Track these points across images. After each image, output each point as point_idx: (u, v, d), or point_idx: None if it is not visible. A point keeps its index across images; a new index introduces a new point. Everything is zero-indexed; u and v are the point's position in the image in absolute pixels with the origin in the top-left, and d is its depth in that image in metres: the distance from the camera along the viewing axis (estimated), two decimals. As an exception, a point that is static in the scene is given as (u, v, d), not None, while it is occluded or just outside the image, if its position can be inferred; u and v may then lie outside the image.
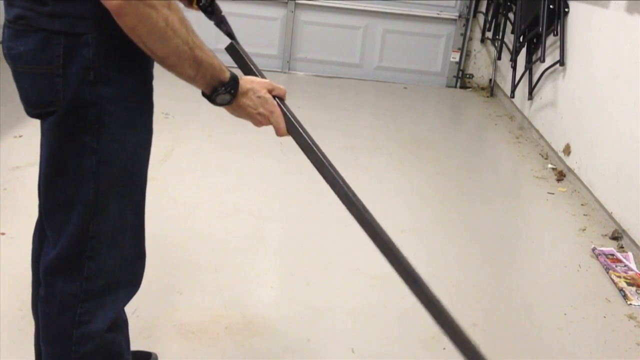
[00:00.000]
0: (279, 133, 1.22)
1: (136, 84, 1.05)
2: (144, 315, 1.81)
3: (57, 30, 0.96)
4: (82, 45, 0.97)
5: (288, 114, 1.20)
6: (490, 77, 4.97)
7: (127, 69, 1.02)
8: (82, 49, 0.97)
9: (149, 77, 1.09)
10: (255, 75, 1.22)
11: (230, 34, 1.21)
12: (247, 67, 1.20)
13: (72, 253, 1.08)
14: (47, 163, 1.06)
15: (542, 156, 3.63)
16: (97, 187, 1.05)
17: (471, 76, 5.11)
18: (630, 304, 2.18)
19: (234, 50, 1.20)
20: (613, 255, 2.49)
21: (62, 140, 1.02)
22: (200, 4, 1.19)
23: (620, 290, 2.25)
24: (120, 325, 1.21)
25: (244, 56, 1.20)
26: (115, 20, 0.92)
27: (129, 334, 1.26)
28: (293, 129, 1.22)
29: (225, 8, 4.60)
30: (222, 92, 1.09)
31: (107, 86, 1.00)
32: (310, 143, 1.21)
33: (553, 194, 3.13)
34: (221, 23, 1.23)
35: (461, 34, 4.96)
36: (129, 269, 1.17)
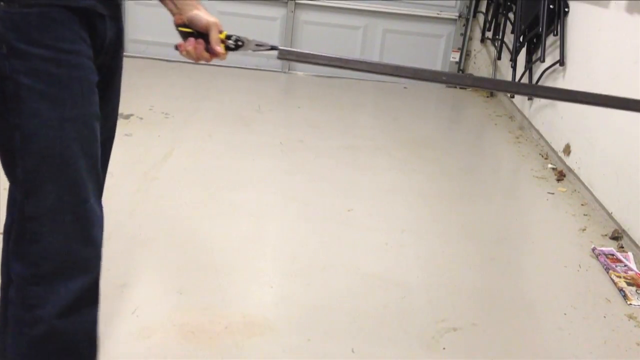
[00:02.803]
0: None
1: (52, 56, 1.01)
2: (144, 315, 1.82)
3: None
4: None
5: None
6: (491, 77, 4.97)
7: (39, 41, 0.99)
8: None
9: (69, 49, 1.04)
10: None
11: (272, 46, 1.22)
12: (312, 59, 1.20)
13: (18, 234, 1.08)
14: None
15: (542, 156, 3.63)
16: (25, 165, 1.03)
17: (471, 76, 5.10)
18: (630, 304, 2.18)
19: (284, 53, 1.23)
20: (613, 255, 2.49)
21: None
22: (231, 47, 1.21)
23: (620, 290, 2.25)
24: (82, 314, 1.17)
25: (298, 52, 1.22)
26: None
27: (95, 329, 1.22)
28: None
29: (226, 8, 4.66)
30: None
31: (19, 59, 0.98)
32: None
33: (553, 194, 3.13)
34: (258, 45, 1.24)
35: (461, 34, 4.96)
36: (75, 255, 1.14)
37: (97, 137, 1.12)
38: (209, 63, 1.25)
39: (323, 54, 1.24)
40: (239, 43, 1.22)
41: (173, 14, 1.24)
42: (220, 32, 1.21)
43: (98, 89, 1.15)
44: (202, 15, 1.20)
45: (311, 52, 1.23)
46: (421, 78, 1.30)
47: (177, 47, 1.22)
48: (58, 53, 1.02)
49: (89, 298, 1.18)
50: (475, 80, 1.31)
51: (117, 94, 1.29)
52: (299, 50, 1.25)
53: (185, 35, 1.22)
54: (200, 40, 1.21)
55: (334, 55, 1.25)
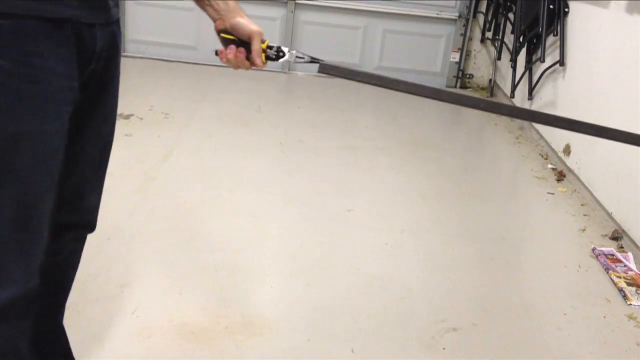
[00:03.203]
0: None
1: (17, 70, 0.98)
2: (144, 315, 1.82)
3: None
4: None
5: None
6: (490, 77, 4.97)
7: (7, 55, 0.96)
8: None
9: (37, 65, 1.00)
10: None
11: (312, 59, 1.22)
12: (353, 76, 1.20)
13: None
14: None
15: (542, 156, 3.63)
16: None
17: (471, 76, 5.11)
18: (630, 304, 2.18)
19: (326, 67, 1.22)
20: (613, 255, 2.49)
21: None
22: (272, 58, 1.22)
23: (620, 290, 2.25)
24: (7, 324, 1.16)
25: (340, 68, 1.21)
26: None
27: (22, 343, 1.21)
28: None
29: (225, 8, 4.41)
30: None
31: None
32: None
33: (553, 194, 3.13)
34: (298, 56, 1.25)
35: (461, 34, 4.96)
36: (6, 266, 1.11)
37: (58, 155, 1.10)
38: (219, 64, 1.26)
39: (364, 71, 1.24)
40: (280, 54, 1.22)
41: (214, 20, 1.23)
42: (263, 41, 1.21)
43: (91, 97, 1.13)
44: (246, 23, 1.20)
45: (352, 69, 1.22)
46: (460, 103, 1.29)
47: (217, 53, 1.22)
48: (25, 68, 1.00)
49: (16, 311, 1.17)
50: (513, 110, 1.30)
51: (114, 99, 1.26)
52: (340, 65, 1.22)
53: (226, 42, 1.22)
54: (242, 49, 1.21)
55: (374, 73, 1.25)
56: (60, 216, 1.25)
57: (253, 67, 1.24)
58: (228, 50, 1.21)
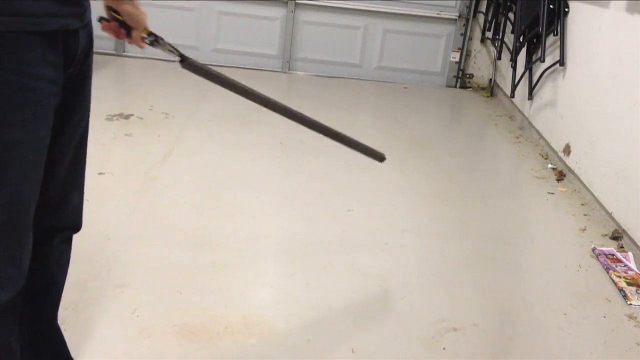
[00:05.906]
0: None
1: (8, 79, 0.99)
2: (144, 315, 1.82)
3: None
4: None
5: None
6: (490, 77, 4.97)
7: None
8: None
9: (29, 72, 1.02)
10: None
11: (181, 55, 1.33)
12: (211, 77, 1.36)
13: None
14: None
15: (542, 156, 3.63)
16: None
17: (471, 76, 5.11)
18: (630, 304, 2.18)
19: (190, 65, 1.35)
20: (613, 255, 2.49)
21: None
22: (147, 43, 1.28)
23: (620, 290, 2.25)
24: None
25: (203, 67, 1.34)
26: None
27: (10, 341, 1.22)
28: None
29: (226, 8, 4.67)
30: None
31: None
32: None
33: (553, 194, 3.13)
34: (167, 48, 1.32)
35: (461, 34, 4.96)
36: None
37: (43, 160, 1.11)
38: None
39: (227, 77, 1.40)
40: (154, 43, 1.30)
41: None
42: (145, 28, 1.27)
43: (69, 98, 1.15)
44: (134, 14, 1.22)
45: (216, 72, 1.39)
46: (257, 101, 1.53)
47: (100, 20, 1.23)
48: (16, 76, 1.00)
49: (9, 311, 1.18)
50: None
51: (88, 96, 1.28)
52: (205, 66, 1.37)
53: (112, 16, 1.25)
54: (123, 30, 1.25)
55: (235, 83, 1.43)
56: (47, 220, 1.26)
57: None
58: (111, 25, 1.23)
